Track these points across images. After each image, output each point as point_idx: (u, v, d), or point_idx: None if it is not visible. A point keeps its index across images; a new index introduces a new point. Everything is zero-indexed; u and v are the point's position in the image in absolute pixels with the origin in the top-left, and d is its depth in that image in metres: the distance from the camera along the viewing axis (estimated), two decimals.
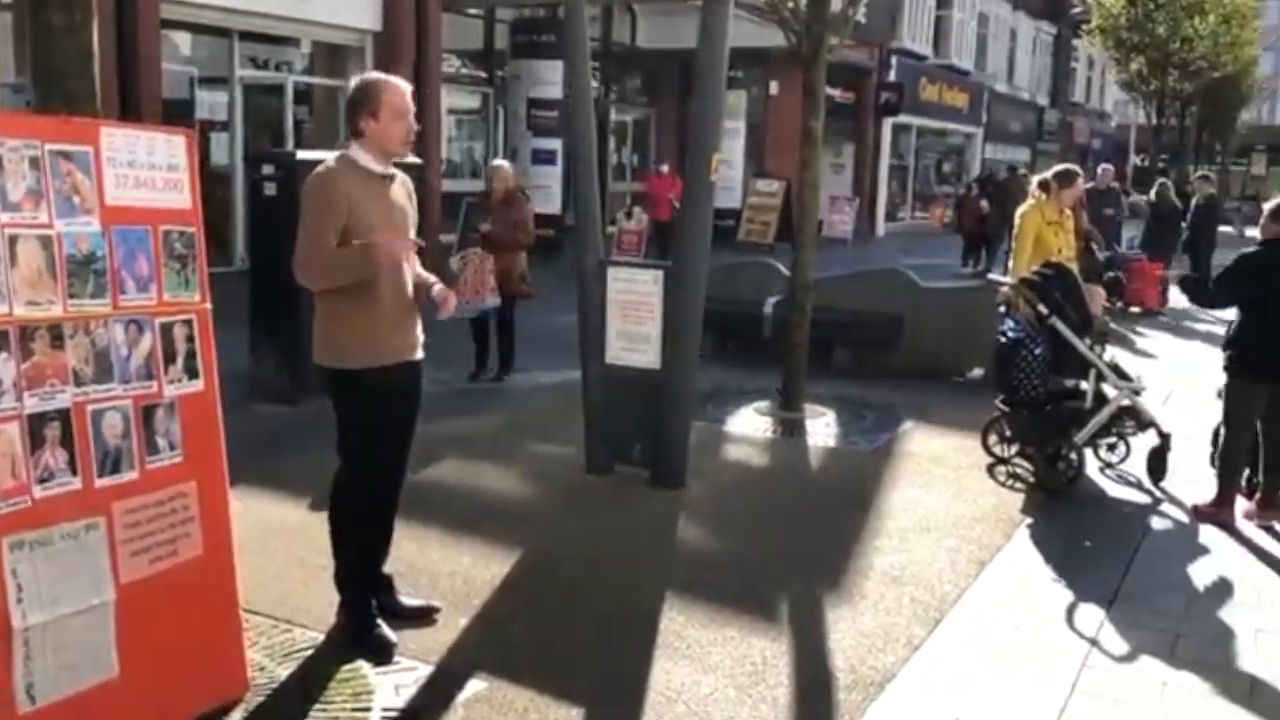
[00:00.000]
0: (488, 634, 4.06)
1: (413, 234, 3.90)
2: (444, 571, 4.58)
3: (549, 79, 16.81)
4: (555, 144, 17.12)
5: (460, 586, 4.44)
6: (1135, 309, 13.91)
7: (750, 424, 7.43)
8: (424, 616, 4.10)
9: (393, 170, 3.84)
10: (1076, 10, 31.66)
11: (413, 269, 3.91)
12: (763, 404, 7.83)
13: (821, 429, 7.35)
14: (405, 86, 3.80)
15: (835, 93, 24.49)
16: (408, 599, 4.15)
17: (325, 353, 3.80)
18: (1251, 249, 5.80)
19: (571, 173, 6.37)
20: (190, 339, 3.26)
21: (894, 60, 27.06)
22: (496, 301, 8.20)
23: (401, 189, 3.90)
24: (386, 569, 4.12)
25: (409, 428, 4.01)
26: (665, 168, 18.21)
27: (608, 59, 21.70)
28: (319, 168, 3.74)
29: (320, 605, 4.07)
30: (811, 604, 4.45)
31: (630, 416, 5.91)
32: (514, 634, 4.05)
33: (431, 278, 4.01)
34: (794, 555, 4.99)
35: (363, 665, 3.72)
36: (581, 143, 6.10)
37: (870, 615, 4.34)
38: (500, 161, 9.15)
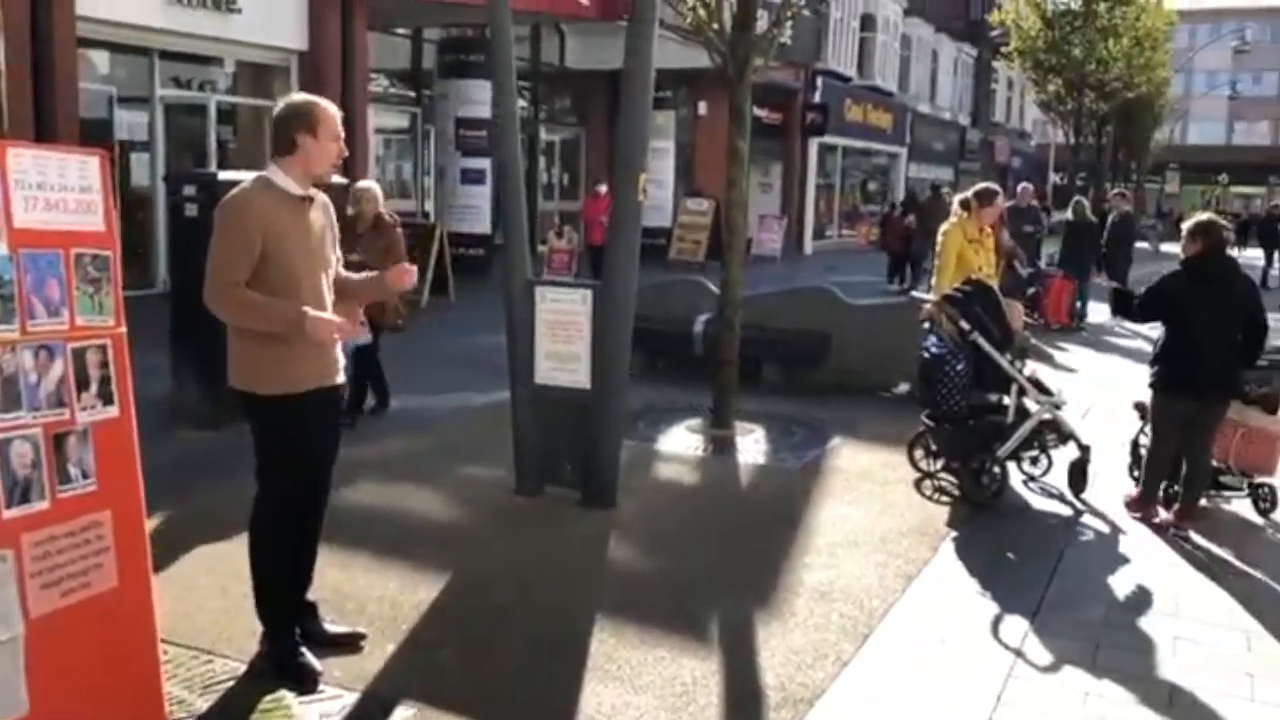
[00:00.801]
0: (415, 659, 4.00)
1: (333, 254, 3.86)
2: (370, 597, 4.51)
3: (477, 98, 16.76)
4: (484, 163, 17.10)
5: (387, 612, 4.37)
6: (1054, 325, 14.22)
7: (681, 442, 7.45)
8: (350, 643, 4.03)
9: (312, 192, 3.79)
10: (996, 33, 32.37)
11: (332, 289, 3.86)
12: (693, 422, 7.86)
13: (751, 446, 7.38)
14: (337, 111, 3.78)
15: (763, 113, 24.80)
16: (333, 625, 4.08)
17: (240, 377, 3.73)
18: (1173, 269, 5.97)
19: (500, 192, 6.34)
20: (104, 364, 3.17)
21: (819, 81, 27.48)
22: (367, 337, 7.13)
23: (321, 211, 3.85)
24: (310, 595, 4.04)
25: (330, 452, 3.95)
26: (603, 188, 16.77)
27: (536, 79, 21.72)
28: (233, 192, 3.67)
29: (242, 634, 3.98)
30: (742, 622, 4.46)
31: (560, 437, 5.88)
32: (442, 659, 4.00)
33: (366, 277, 4.00)
34: (725, 573, 5.00)
35: (286, 695, 3.64)
36: (509, 162, 6.08)
37: (800, 632, 4.36)
38: (366, 183, 7.95)
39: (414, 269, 4.00)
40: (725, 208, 8.00)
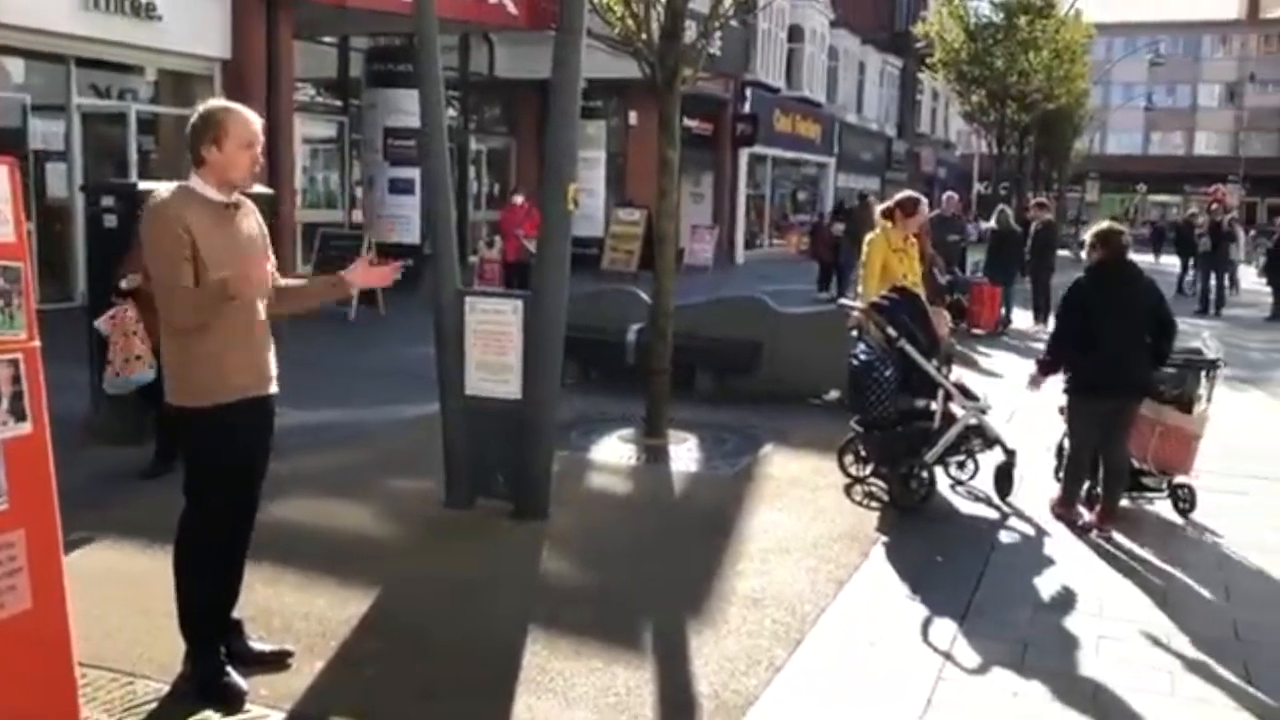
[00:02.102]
0: (345, 676, 3.93)
1: (267, 260, 3.79)
2: (298, 614, 4.43)
3: (406, 108, 16.58)
4: (413, 173, 16.88)
5: (315, 628, 4.30)
6: (978, 331, 14.48)
7: (614, 452, 7.44)
8: (277, 661, 3.95)
9: (238, 198, 3.72)
10: (920, 44, 32.97)
11: (269, 296, 3.79)
12: (626, 431, 7.85)
13: (684, 454, 7.40)
14: (253, 116, 3.69)
15: (693, 124, 24.92)
16: (259, 644, 3.99)
17: (172, 390, 3.65)
18: (1077, 277, 6.15)
19: (429, 202, 6.28)
20: (16, 379, 3.08)
21: (748, 92, 27.70)
22: (150, 375, 6.11)
23: (251, 218, 3.79)
24: (236, 613, 3.95)
25: (260, 466, 3.87)
26: (519, 199, 15.85)
27: (466, 88, 21.60)
28: (152, 199, 3.60)
29: (165, 655, 3.88)
30: (675, 630, 4.46)
31: (491, 448, 5.84)
32: (372, 675, 3.94)
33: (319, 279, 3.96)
34: (658, 582, 5.00)
35: (211, 716, 3.56)
36: (437, 172, 6.03)
37: (733, 639, 4.37)
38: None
39: (361, 267, 4.02)
40: (656, 217, 8.02)
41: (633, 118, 23.73)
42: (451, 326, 5.89)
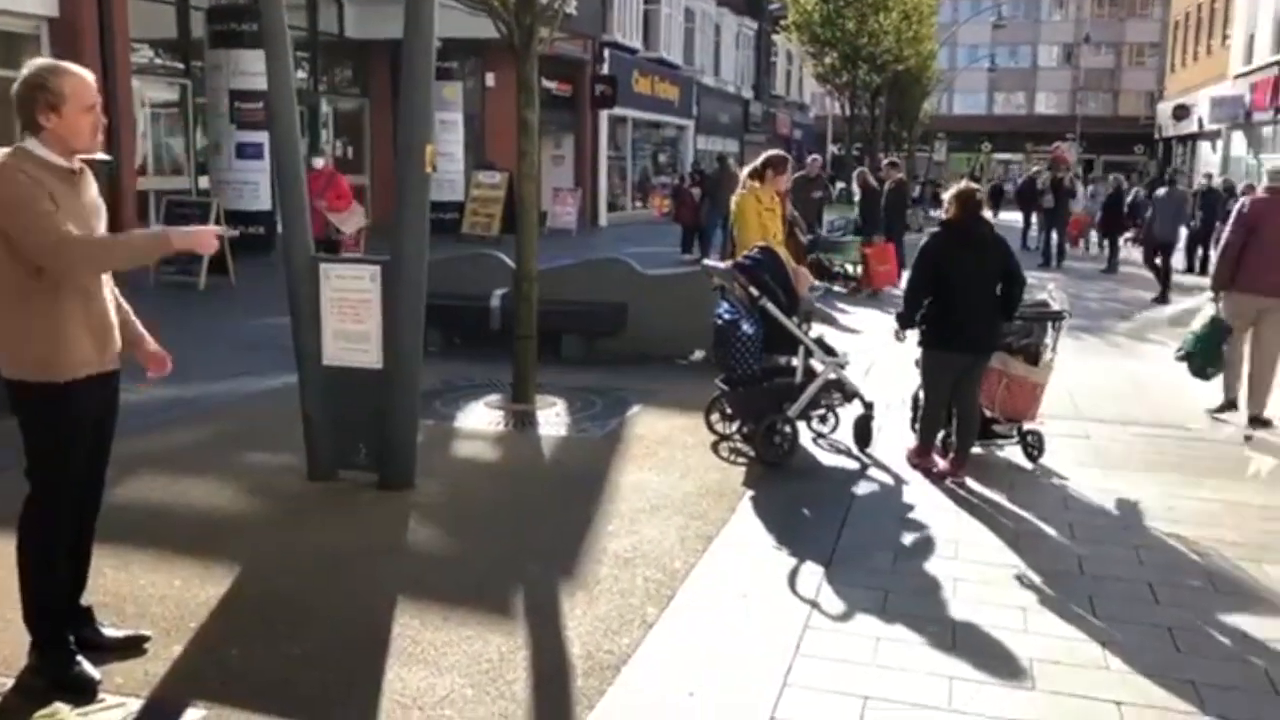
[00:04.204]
0: (205, 659, 3.80)
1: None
2: (154, 596, 4.26)
3: (252, 69, 15.94)
4: (262, 137, 16.28)
5: (172, 611, 4.14)
6: (878, 290, 14.84)
7: (481, 418, 7.36)
8: (132, 647, 3.79)
9: (80, 165, 3.50)
10: (774, 6, 33.34)
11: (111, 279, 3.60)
12: (493, 398, 7.78)
13: (552, 418, 7.37)
14: (88, 75, 3.47)
15: (552, 85, 24.72)
16: (112, 630, 3.83)
17: (10, 365, 3.44)
18: (932, 232, 6.34)
19: (278, 167, 6.06)
20: None
21: (607, 53, 27.60)
22: None
23: (93, 187, 3.58)
24: (85, 599, 3.78)
25: (105, 445, 3.69)
26: (320, 161, 13.70)
27: (315, 48, 20.91)
28: None
29: (9, 648, 3.69)
30: (547, 594, 4.45)
31: (353, 419, 5.70)
32: (234, 656, 3.81)
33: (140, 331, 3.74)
34: (529, 547, 4.98)
35: (61, 708, 3.39)
36: (285, 136, 5.82)
37: (605, 599, 4.38)
38: None
39: (167, 363, 3.82)
40: (517, 180, 7.92)
41: (490, 79, 23.39)
42: (306, 295, 5.71)
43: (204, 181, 17.93)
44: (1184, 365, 7.98)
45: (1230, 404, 7.95)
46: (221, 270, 13.63)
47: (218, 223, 13.71)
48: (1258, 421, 7.62)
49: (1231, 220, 8.00)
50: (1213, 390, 8.04)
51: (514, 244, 7.82)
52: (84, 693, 3.46)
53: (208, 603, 4.24)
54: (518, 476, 6.30)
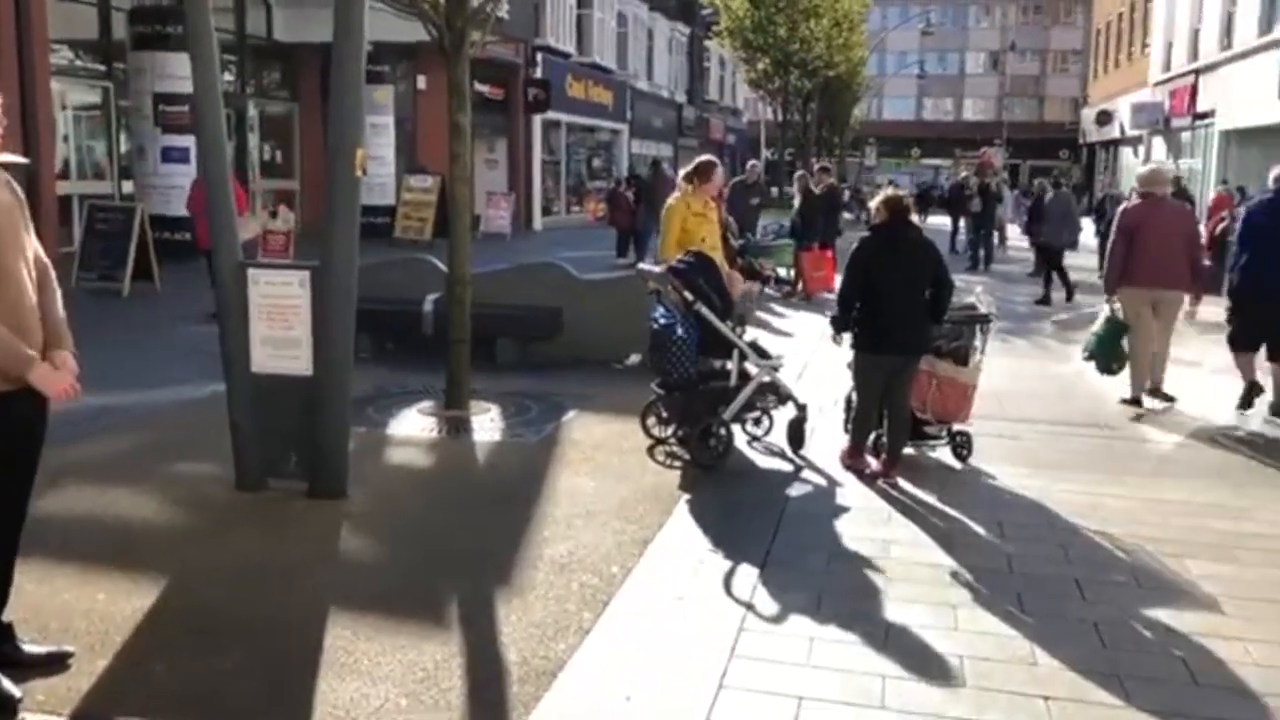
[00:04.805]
0: (131, 674, 3.71)
1: (30, 237, 3.49)
2: (77, 611, 4.15)
3: (177, 72, 15.67)
4: (187, 141, 15.99)
5: (97, 626, 4.04)
6: (814, 296, 14.92)
7: (414, 425, 7.30)
8: (55, 663, 3.69)
9: None
10: (707, 12, 33.52)
11: (35, 286, 3.50)
12: (426, 404, 7.72)
13: (487, 424, 7.33)
14: None
15: (484, 89, 24.61)
16: (33, 647, 3.72)
17: None
18: (863, 237, 6.42)
19: (205, 172, 5.95)
20: None
21: (540, 57, 27.55)
22: None
23: (6, 189, 3.48)
24: (5, 616, 3.67)
25: (31, 459, 3.59)
26: None
27: (243, 51, 20.59)
28: None
29: None
30: (483, 601, 4.42)
31: (283, 427, 5.62)
32: (161, 670, 3.73)
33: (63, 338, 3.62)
34: (463, 554, 4.94)
35: None
36: (212, 140, 5.71)
37: (541, 605, 4.36)
38: None
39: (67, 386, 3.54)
40: (450, 184, 7.87)
41: (421, 82, 23.22)
42: (234, 301, 5.62)
43: (128, 186, 17.57)
44: (1091, 365, 8.58)
45: (1136, 400, 8.35)
46: (147, 277, 13.36)
47: (142, 227, 13.46)
48: (1156, 392, 8.39)
49: (1114, 227, 8.62)
50: (1124, 385, 8.44)
51: (447, 248, 7.76)
52: (4, 711, 3.37)
53: (133, 616, 4.14)
54: (452, 483, 6.25)
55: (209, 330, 6.20)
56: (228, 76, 19.51)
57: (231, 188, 5.86)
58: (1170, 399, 8.41)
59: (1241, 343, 8.28)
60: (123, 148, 17.87)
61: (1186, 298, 8.85)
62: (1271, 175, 8.34)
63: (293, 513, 5.43)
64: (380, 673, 3.76)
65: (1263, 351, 8.13)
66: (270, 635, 4.04)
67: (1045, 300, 15.43)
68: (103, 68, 17.80)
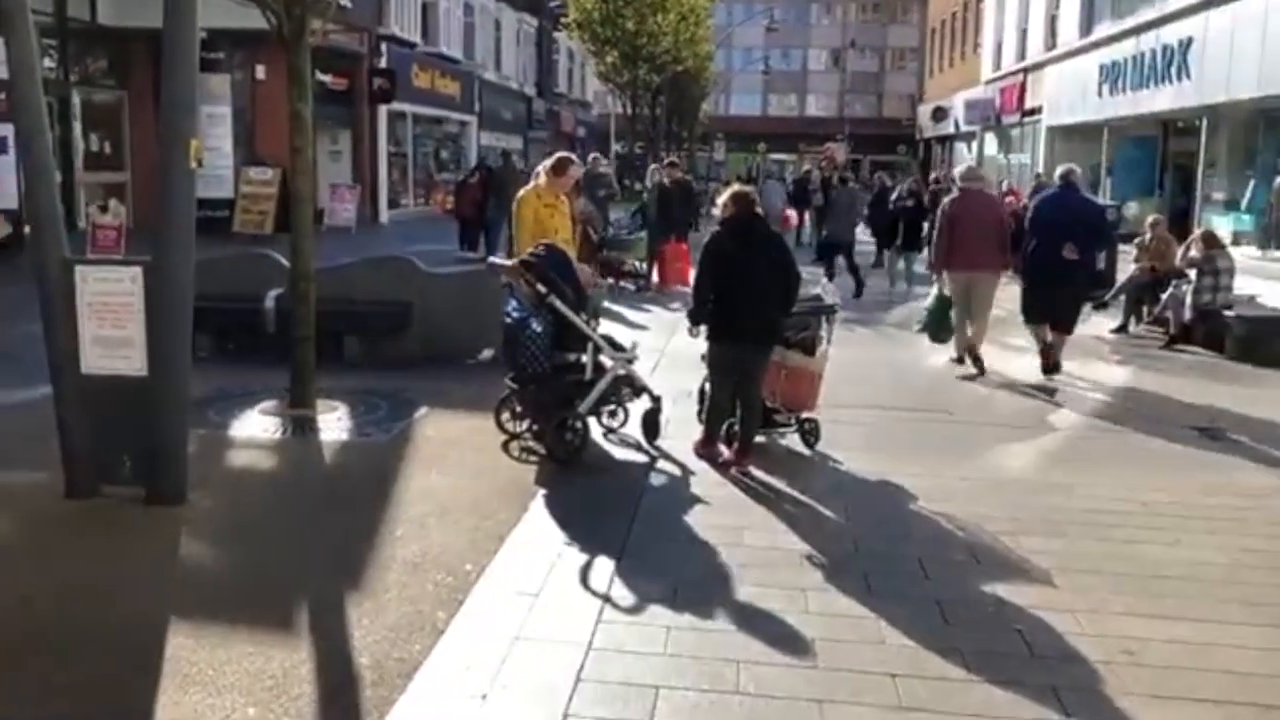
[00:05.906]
0: None
1: None
2: None
3: None
4: (6, 130, 15.08)
5: None
6: (675, 288, 14.86)
7: (257, 426, 7.05)
8: None
9: None
10: (555, 4, 33.44)
11: None
12: (270, 404, 7.46)
13: (334, 423, 7.14)
14: None
15: (327, 79, 23.92)
16: None
17: None
18: (713, 231, 6.51)
19: (25, 163, 5.62)
20: None
21: (384, 47, 26.93)
22: None
23: None
24: None
25: None
26: None
27: (65, 36, 19.51)
28: None
29: None
30: (333, 605, 4.30)
31: (116, 431, 5.35)
32: None
33: None
34: (312, 557, 4.80)
35: None
36: (33, 128, 5.39)
37: (394, 606, 4.28)
38: None
39: None
40: (291, 176, 7.62)
41: (260, 71, 22.41)
42: (60, 299, 5.32)
43: None
44: (924, 337, 10.20)
45: (961, 360, 9.70)
46: None
47: None
48: (972, 355, 9.54)
49: (938, 217, 9.95)
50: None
51: (289, 242, 7.52)
52: None
53: None
54: (298, 485, 6.07)
55: (30, 330, 5.85)
56: (48, 62, 18.45)
57: (55, 178, 5.54)
58: (982, 370, 9.44)
59: (1033, 315, 9.57)
60: None
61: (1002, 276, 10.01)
62: (1057, 173, 9.90)
63: (128, 520, 5.18)
64: (225, 682, 3.62)
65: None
66: (109, 649, 3.85)
67: (858, 294, 14.92)
68: None
